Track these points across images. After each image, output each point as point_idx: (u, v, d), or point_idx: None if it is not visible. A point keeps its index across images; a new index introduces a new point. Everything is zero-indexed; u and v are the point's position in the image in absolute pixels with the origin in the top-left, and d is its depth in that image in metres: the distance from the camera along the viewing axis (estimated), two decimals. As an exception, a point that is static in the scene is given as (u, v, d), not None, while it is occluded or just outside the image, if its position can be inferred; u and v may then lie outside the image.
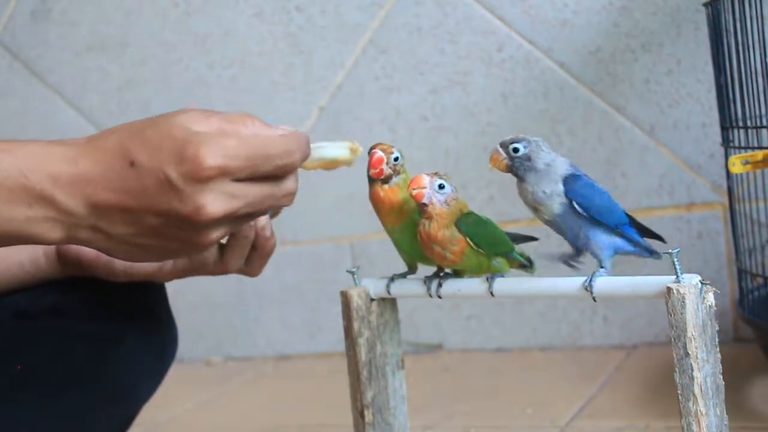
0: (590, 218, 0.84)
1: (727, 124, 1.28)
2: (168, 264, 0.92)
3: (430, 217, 0.86)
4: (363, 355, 0.93)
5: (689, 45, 1.59)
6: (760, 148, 1.20)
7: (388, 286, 0.93)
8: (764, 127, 1.21)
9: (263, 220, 0.90)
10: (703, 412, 0.76)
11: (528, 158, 0.84)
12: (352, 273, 0.95)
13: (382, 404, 0.95)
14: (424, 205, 0.86)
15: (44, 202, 0.69)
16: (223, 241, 0.90)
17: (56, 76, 1.99)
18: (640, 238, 0.87)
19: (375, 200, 0.90)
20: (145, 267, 0.92)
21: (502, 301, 1.74)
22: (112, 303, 0.94)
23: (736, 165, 1.16)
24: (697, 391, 0.76)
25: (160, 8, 1.90)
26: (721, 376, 0.79)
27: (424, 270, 0.93)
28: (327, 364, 1.81)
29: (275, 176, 0.73)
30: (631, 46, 1.62)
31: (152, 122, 0.71)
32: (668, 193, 1.63)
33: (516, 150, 0.84)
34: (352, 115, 1.80)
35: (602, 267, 0.85)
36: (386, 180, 0.89)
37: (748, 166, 1.17)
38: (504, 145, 0.85)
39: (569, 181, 0.84)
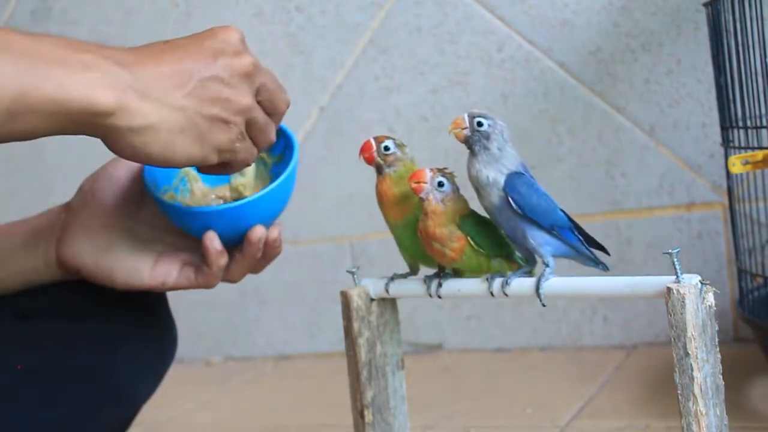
0: (525, 216, 0.85)
1: (727, 124, 1.28)
2: (170, 277, 0.92)
3: (426, 214, 0.86)
4: (363, 355, 0.94)
5: (689, 45, 1.59)
6: (760, 148, 1.20)
7: (387, 285, 0.93)
8: (764, 127, 1.21)
9: (276, 231, 0.91)
10: (703, 412, 0.76)
11: (487, 136, 0.85)
12: (352, 273, 0.95)
13: (382, 404, 0.95)
14: (422, 199, 0.86)
15: (96, 69, 0.71)
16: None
17: (56, 76, 1.98)
18: (579, 243, 0.88)
19: (376, 192, 0.91)
20: (146, 279, 0.92)
21: (502, 301, 1.74)
22: (112, 303, 0.94)
23: (736, 165, 1.16)
24: (697, 391, 0.76)
25: (160, 8, 1.90)
26: (721, 376, 0.79)
27: (426, 272, 0.94)
28: (327, 364, 1.81)
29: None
30: (631, 46, 1.62)
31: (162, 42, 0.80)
32: (668, 193, 1.63)
33: (480, 124, 0.86)
34: (352, 115, 1.80)
35: (547, 265, 0.86)
36: (379, 170, 0.90)
37: (748, 166, 1.17)
38: (471, 115, 0.86)
39: (511, 177, 0.85)
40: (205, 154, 0.77)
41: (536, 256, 0.87)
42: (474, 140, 0.86)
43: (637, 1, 1.60)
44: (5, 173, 2.04)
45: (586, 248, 0.89)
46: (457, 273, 0.91)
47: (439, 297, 0.91)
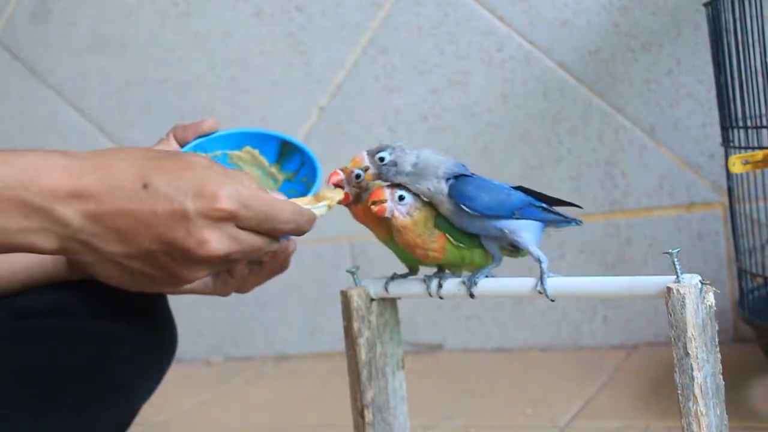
0: (484, 215, 0.85)
1: (727, 124, 1.28)
2: None
3: (398, 230, 0.86)
4: (363, 355, 0.93)
5: (689, 45, 1.59)
6: (760, 148, 1.20)
7: (386, 284, 0.93)
8: (764, 127, 1.21)
9: (293, 245, 0.91)
10: (703, 412, 0.76)
11: (394, 164, 0.85)
12: (352, 273, 0.95)
13: (382, 404, 0.95)
14: (388, 218, 0.86)
15: (41, 213, 0.70)
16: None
17: (56, 76, 1.99)
18: (545, 214, 0.87)
19: (357, 218, 0.90)
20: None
21: (502, 301, 1.74)
22: (112, 303, 0.94)
23: (736, 165, 1.16)
24: (697, 391, 0.76)
25: (160, 8, 1.90)
26: (721, 376, 0.79)
27: (425, 270, 0.94)
28: (327, 364, 1.81)
29: (269, 235, 0.76)
30: (631, 46, 1.62)
31: (168, 153, 0.74)
32: (668, 193, 1.63)
33: (382, 159, 0.85)
34: (352, 115, 1.80)
35: (540, 262, 0.85)
36: (357, 199, 0.89)
37: (748, 166, 1.17)
38: (370, 153, 0.86)
39: (453, 185, 0.85)
40: (145, 290, 0.77)
41: (528, 253, 0.87)
42: (385, 173, 0.85)
43: (637, 1, 1.60)
44: (5, 173, 2.04)
45: (554, 214, 0.88)
46: (452, 270, 0.91)
47: (440, 297, 0.91)
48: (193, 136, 0.94)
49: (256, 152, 0.96)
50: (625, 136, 1.64)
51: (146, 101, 1.93)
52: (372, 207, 0.86)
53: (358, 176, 0.88)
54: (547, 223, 0.88)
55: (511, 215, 0.86)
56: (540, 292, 0.85)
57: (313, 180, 0.92)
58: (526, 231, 0.86)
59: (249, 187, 0.74)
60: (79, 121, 1.97)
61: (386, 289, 0.93)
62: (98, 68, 1.95)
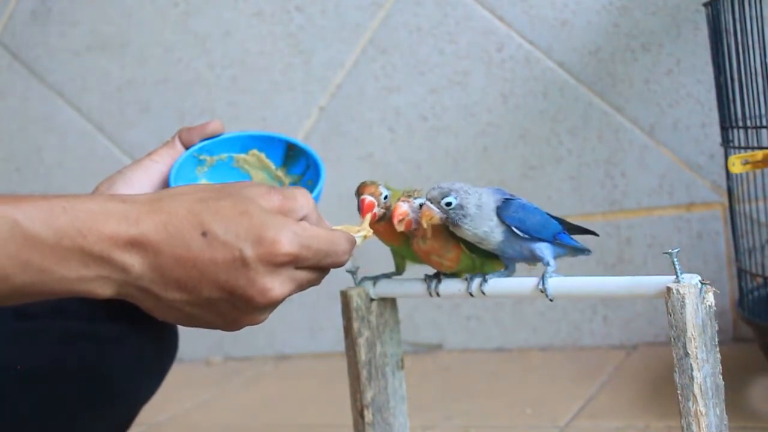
0: (531, 237, 0.87)
1: (727, 124, 1.28)
2: None
3: (419, 237, 0.87)
4: (363, 355, 0.94)
5: (689, 45, 1.59)
6: (760, 148, 1.20)
7: (374, 285, 0.94)
8: (764, 127, 1.21)
9: None
10: (703, 412, 0.76)
11: (461, 207, 0.86)
12: (352, 273, 0.95)
13: (381, 404, 0.95)
14: (416, 229, 0.86)
15: (100, 261, 0.69)
16: None
17: (56, 76, 1.99)
18: (575, 242, 0.90)
19: (378, 234, 0.91)
20: None
21: (502, 301, 1.74)
22: (112, 303, 0.94)
23: (736, 165, 1.16)
24: (696, 391, 0.76)
25: (160, 8, 1.90)
26: (720, 376, 0.79)
27: (414, 272, 0.94)
28: (327, 364, 1.81)
29: (323, 268, 0.76)
30: (631, 46, 1.62)
31: (223, 193, 0.72)
32: (668, 193, 1.63)
33: (449, 204, 0.85)
34: (352, 115, 1.80)
35: (548, 265, 0.87)
36: (382, 218, 0.90)
37: (748, 166, 1.17)
38: (435, 201, 0.85)
39: (502, 209, 0.86)
40: (206, 328, 0.76)
41: (540, 259, 0.88)
42: (452, 217, 0.86)
43: (637, 1, 1.60)
44: (5, 173, 2.04)
45: (579, 243, 0.91)
46: (454, 273, 0.92)
47: (438, 295, 0.91)
48: (199, 139, 0.94)
49: (263, 155, 0.95)
50: (625, 136, 1.64)
51: (146, 101, 1.93)
52: (398, 226, 0.86)
53: (386, 197, 0.89)
54: (569, 251, 0.90)
55: (552, 239, 0.88)
56: (541, 291, 0.86)
57: (317, 183, 0.92)
58: (552, 254, 0.89)
59: (306, 227, 0.73)
60: (79, 121, 1.97)
61: (370, 292, 0.94)
62: (98, 68, 1.95)
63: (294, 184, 0.95)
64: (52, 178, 2.00)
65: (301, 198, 0.75)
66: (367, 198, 0.89)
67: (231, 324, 0.74)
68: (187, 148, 0.94)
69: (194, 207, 0.70)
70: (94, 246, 0.68)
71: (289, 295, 0.73)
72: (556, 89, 1.67)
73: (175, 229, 0.69)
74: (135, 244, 0.69)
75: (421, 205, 0.86)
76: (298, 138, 1.84)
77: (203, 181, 0.92)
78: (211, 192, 0.72)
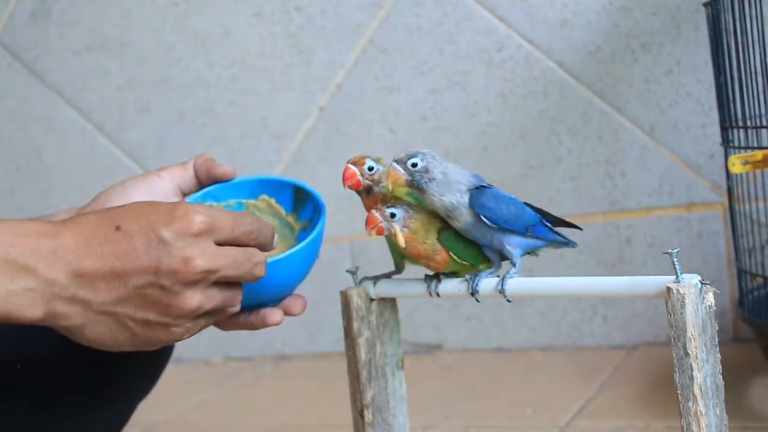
0: (500, 227, 0.86)
1: (726, 124, 1.28)
2: None
3: (401, 243, 0.87)
4: (363, 355, 0.94)
5: (689, 45, 1.59)
6: (760, 148, 1.20)
7: (374, 285, 0.94)
8: (764, 127, 1.21)
9: (278, 316, 0.90)
10: (703, 412, 0.76)
11: (426, 170, 0.86)
12: (352, 273, 0.95)
13: (381, 404, 0.95)
14: (388, 237, 0.87)
15: (25, 272, 0.70)
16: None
17: (56, 76, 1.99)
18: (552, 234, 0.90)
19: (367, 209, 0.91)
20: None
21: (502, 301, 1.74)
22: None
23: (736, 165, 1.16)
24: (696, 391, 0.76)
25: (160, 8, 1.90)
26: (720, 376, 0.79)
27: (414, 272, 0.94)
28: (327, 364, 1.81)
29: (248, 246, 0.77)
30: (631, 46, 1.62)
31: (132, 202, 0.76)
32: (668, 193, 1.63)
33: (414, 165, 0.86)
34: (352, 115, 1.80)
35: (513, 265, 0.87)
36: (368, 191, 0.90)
37: (748, 166, 1.17)
38: (401, 162, 0.86)
39: (474, 194, 0.86)
40: (142, 347, 0.76)
41: (509, 258, 0.88)
42: (417, 180, 0.86)
43: (637, 1, 1.60)
44: (5, 173, 2.04)
45: (558, 235, 0.91)
46: (454, 273, 0.92)
47: (437, 295, 0.91)
48: (210, 174, 0.92)
49: (273, 200, 0.93)
50: (625, 136, 1.64)
51: (146, 101, 1.93)
52: (370, 233, 0.86)
53: (371, 168, 0.89)
54: (548, 242, 0.90)
55: (524, 231, 0.88)
56: (499, 291, 0.86)
57: (317, 222, 0.89)
58: (526, 248, 0.88)
59: (208, 206, 0.76)
60: (79, 120, 1.97)
61: (370, 292, 0.94)
62: (98, 68, 1.95)
63: (304, 230, 0.93)
64: (52, 178, 2.00)
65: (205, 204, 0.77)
66: (350, 167, 0.89)
67: (168, 315, 0.73)
68: (198, 176, 0.92)
69: (104, 213, 0.73)
70: (18, 257, 0.70)
71: (217, 270, 0.73)
72: (556, 89, 1.67)
73: (90, 232, 0.72)
74: (56, 254, 0.70)
75: (393, 215, 0.86)
76: (298, 138, 1.84)
77: None
78: (119, 206, 0.76)
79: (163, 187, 0.91)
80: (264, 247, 0.78)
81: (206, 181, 0.91)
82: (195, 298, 0.73)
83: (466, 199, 0.86)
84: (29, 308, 0.70)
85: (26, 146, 2.01)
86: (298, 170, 1.83)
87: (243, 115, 1.86)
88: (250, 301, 0.82)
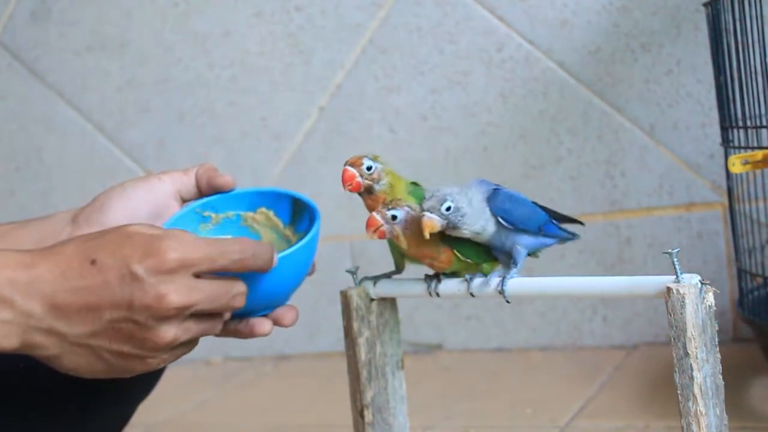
0: (517, 228, 0.87)
1: (726, 124, 1.28)
2: None
3: (403, 247, 0.87)
4: (363, 355, 0.94)
5: (689, 45, 1.59)
6: (760, 148, 1.20)
7: (374, 285, 0.94)
8: (764, 127, 1.21)
9: (267, 327, 0.87)
10: (703, 412, 0.76)
11: (457, 209, 0.85)
12: (352, 273, 0.95)
13: (381, 404, 0.95)
14: (391, 240, 0.87)
15: (2, 305, 0.70)
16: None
17: (56, 76, 1.99)
18: (560, 231, 0.90)
19: (369, 211, 0.91)
20: None
21: (502, 301, 1.74)
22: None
23: (736, 165, 1.16)
24: (696, 391, 0.76)
25: (160, 8, 1.90)
26: (720, 376, 0.79)
27: (414, 271, 0.94)
28: (327, 364, 1.81)
29: (229, 275, 0.76)
30: (631, 46, 1.62)
31: (110, 229, 0.75)
32: (668, 193, 1.63)
33: (449, 209, 0.85)
34: (352, 115, 1.80)
35: (515, 265, 0.87)
36: (369, 191, 0.89)
37: (748, 166, 1.17)
38: (434, 209, 0.85)
39: (491, 199, 0.86)
40: (119, 375, 0.76)
41: (513, 257, 0.88)
42: (453, 221, 0.85)
43: (637, 1, 1.60)
44: (5, 173, 2.04)
45: (565, 231, 0.91)
46: (454, 273, 0.92)
47: (437, 295, 0.91)
48: (211, 184, 0.90)
49: (271, 213, 0.91)
50: (625, 136, 1.64)
51: (146, 101, 1.93)
52: (371, 236, 0.86)
53: (369, 168, 0.88)
54: (557, 240, 0.90)
55: (537, 231, 0.88)
56: (500, 293, 0.87)
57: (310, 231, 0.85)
58: (528, 248, 0.89)
59: (191, 236, 0.74)
60: (79, 121, 1.97)
61: (370, 291, 0.94)
62: (98, 68, 1.95)
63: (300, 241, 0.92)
64: (52, 178, 2.00)
65: (189, 234, 0.75)
66: (349, 169, 0.89)
67: (144, 349, 0.73)
68: (198, 184, 0.90)
69: (81, 244, 0.73)
70: (6, 279, 0.70)
71: (193, 304, 0.73)
72: (556, 89, 1.67)
73: (66, 265, 0.72)
74: (33, 285, 0.71)
75: (394, 217, 0.86)
76: (298, 138, 1.84)
77: None
78: (98, 232, 0.75)
79: (163, 189, 0.90)
80: (263, 270, 0.78)
81: (206, 190, 0.90)
82: (170, 332, 0.73)
83: (488, 212, 0.86)
84: (5, 339, 0.71)
85: (26, 146, 2.01)
86: (298, 170, 1.83)
87: (243, 115, 1.86)
88: (238, 310, 0.81)
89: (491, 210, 0.86)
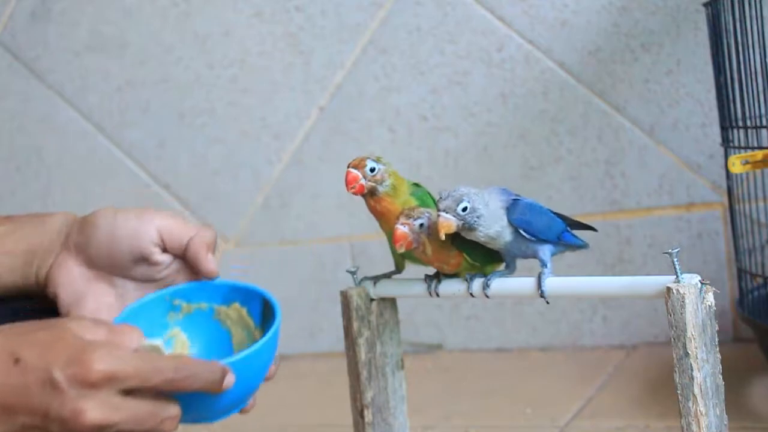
0: (538, 239, 0.87)
1: (726, 124, 1.28)
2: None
3: (425, 251, 0.87)
4: (363, 355, 0.94)
5: (689, 45, 1.59)
6: (760, 148, 1.20)
7: (374, 285, 0.94)
8: (764, 127, 1.21)
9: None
10: (703, 412, 0.76)
11: (474, 209, 0.85)
12: (352, 273, 0.95)
13: (381, 404, 0.95)
14: (416, 248, 0.87)
15: None
16: None
17: (56, 76, 1.99)
18: (576, 239, 0.91)
19: (372, 212, 0.90)
20: None
21: (502, 301, 1.74)
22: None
23: (736, 165, 1.16)
24: (696, 391, 0.76)
25: (160, 8, 1.90)
26: (720, 376, 0.79)
27: (414, 271, 0.94)
28: (327, 364, 1.81)
29: (162, 395, 0.71)
30: (631, 46, 1.62)
31: (45, 325, 0.71)
32: (668, 193, 1.63)
33: (465, 209, 0.85)
34: (352, 115, 1.80)
35: (545, 266, 0.88)
36: (372, 192, 0.89)
37: (748, 166, 1.17)
38: (450, 210, 0.84)
39: (511, 210, 0.86)
40: None
41: (540, 260, 0.89)
42: (469, 222, 0.85)
43: (637, 1, 1.60)
44: (5, 173, 2.04)
45: (581, 240, 0.92)
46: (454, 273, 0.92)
47: (437, 295, 0.91)
48: (194, 260, 0.83)
49: (244, 311, 0.84)
50: (625, 135, 1.64)
51: (146, 101, 1.93)
52: (399, 249, 0.86)
53: (372, 170, 0.88)
54: (568, 248, 0.91)
55: (557, 240, 0.88)
56: (540, 295, 0.86)
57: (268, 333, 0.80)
58: (552, 253, 0.89)
59: (126, 348, 0.70)
60: (79, 121, 1.97)
61: (370, 292, 0.94)
62: (98, 68, 1.95)
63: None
64: (52, 178, 2.00)
65: (130, 332, 0.71)
66: (352, 171, 0.88)
67: None
68: (188, 251, 0.82)
69: (10, 339, 0.70)
70: None
71: (113, 425, 0.68)
72: (556, 89, 1.67)
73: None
74: None
75: (421, 225, 0.86)
76: (298, 138, 1.84)
77: (176, 329, 0.83)
78: (33, 325, 0.71)
79: (149, 233, 0.83)
80: (210, 391, 0.74)
81: (189, 262, 0.83)
82: None
83: (506, 219, 0.86)
84: None
85: (26, 146, 2.01)
86: (298, 170, 1.83)
87: (243, 115, 1.86)
88: (185, 418, 0.76)
89: (511, 221, 0.86)
